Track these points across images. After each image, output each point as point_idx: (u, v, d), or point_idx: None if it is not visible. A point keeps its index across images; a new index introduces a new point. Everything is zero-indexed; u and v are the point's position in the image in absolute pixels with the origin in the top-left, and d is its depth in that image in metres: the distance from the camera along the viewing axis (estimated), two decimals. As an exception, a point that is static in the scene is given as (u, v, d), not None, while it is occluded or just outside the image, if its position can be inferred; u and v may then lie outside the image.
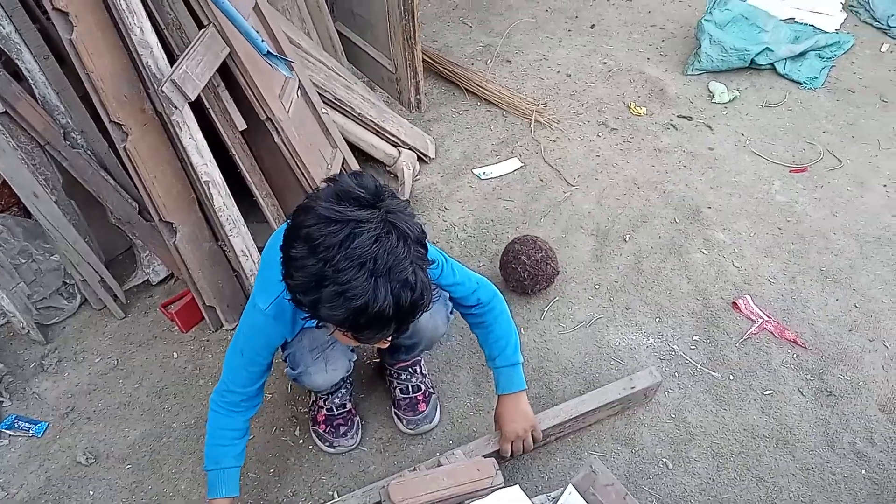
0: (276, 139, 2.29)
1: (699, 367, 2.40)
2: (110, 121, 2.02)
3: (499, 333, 2.02)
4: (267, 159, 2.40)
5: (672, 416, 2.27)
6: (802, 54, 3.68)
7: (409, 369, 2.24)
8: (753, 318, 2.55)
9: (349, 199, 1.41)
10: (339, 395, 2.16)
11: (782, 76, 3.65)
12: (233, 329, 2.50)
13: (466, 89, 3.49)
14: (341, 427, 2.15)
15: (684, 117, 3.41)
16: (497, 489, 1.84)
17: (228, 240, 2.30)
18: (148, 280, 2.58)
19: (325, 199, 1.42)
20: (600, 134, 3.32)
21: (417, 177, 3.06)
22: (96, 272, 2.45)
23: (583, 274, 2.70)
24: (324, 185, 1.46)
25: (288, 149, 2.32)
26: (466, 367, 2.40)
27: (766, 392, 2.32)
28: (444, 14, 4.11)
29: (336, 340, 1.84)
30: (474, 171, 3.12)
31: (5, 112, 2.18)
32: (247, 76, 2.19)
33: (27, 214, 2.50)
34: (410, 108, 3.23)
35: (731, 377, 2.37)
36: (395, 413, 2.24)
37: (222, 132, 2.24)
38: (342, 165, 2.69)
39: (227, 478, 1.85)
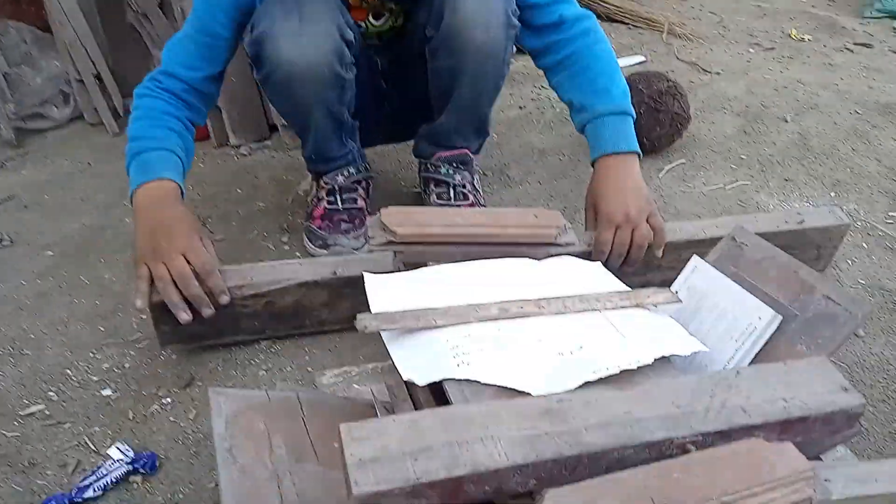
0: None
1: (904, 242, 1.55)
2: None
3: (597, 69, 1.34)
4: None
5: (861, 283, 1.45)
6: None
7: (455, 164, 1.53)
8: None
9: None
10: (349, 172, 1.48)
11: None
12: (240, 146, 1.90)
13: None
14: (343, 224, 1.45)
15: (862, 44, 2.66)
16: (563, 253, 1.08)
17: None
18: (159, 102, 2.05)
19: None
20: (751, 49, 2.62)
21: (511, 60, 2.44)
22: (97, 73, 1.96)
23: (723, 144, 1.95)
24: None
25: None
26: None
27: None
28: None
29: None
30: (585, 60, 2.47)
31: None
32: None
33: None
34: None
35: (962, 261, 1.51)
36: None
37: None
38: None
39: (171, 161, 1.21)
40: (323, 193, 1.49)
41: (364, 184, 1.52)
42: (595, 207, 1.28)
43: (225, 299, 1.13)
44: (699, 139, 1.96)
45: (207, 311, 1.11)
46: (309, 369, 1.19)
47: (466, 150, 1.54)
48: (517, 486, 0.69)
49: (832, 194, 1.74)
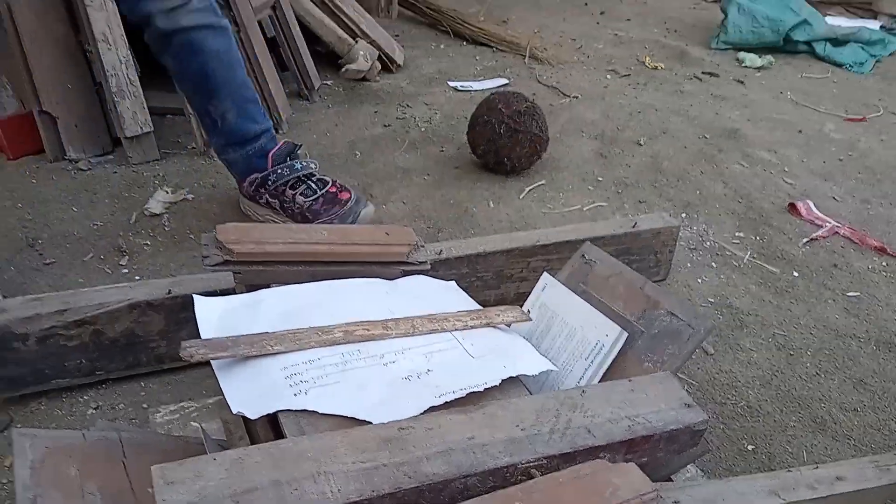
0: None
1: (746, 259, 1.64)
2: None
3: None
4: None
5: (710, 301, 1.49)
6: (844, 42, 3.15)
7: (291, 156, 1.55)
8: (819, 222, 1.82)
9: None
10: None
11: (822, 59, 3.10)
12: (78, 161, 1.75)
13: (451, 29, 2.93)
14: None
15: (710, 73, 2.82)
16: (416, 272, 1.04)
17: (89, 19, 1.63)
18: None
19: None
20: (608, 76, 2.72)
21: (377, 78, 2.42)
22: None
23: (580, 167, 1.99)
24: None
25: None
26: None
27: (851, 294, 1.57)
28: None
29: None
30: (450, 82, 2.48)
31: None
32: None
33: None
34: (379, 13, 2.65)
35: (796, 274, 1.62)
36: None
37: None
38: (276, 11, 2.07)
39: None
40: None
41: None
42: None
43: None
44: (558, 161, 2.00)
45: None
46: (144, 406, 1.09)
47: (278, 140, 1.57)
48: (352, 525, 0.64)
49: (683, 215, 1.81)
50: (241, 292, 0.99)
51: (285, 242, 0.98)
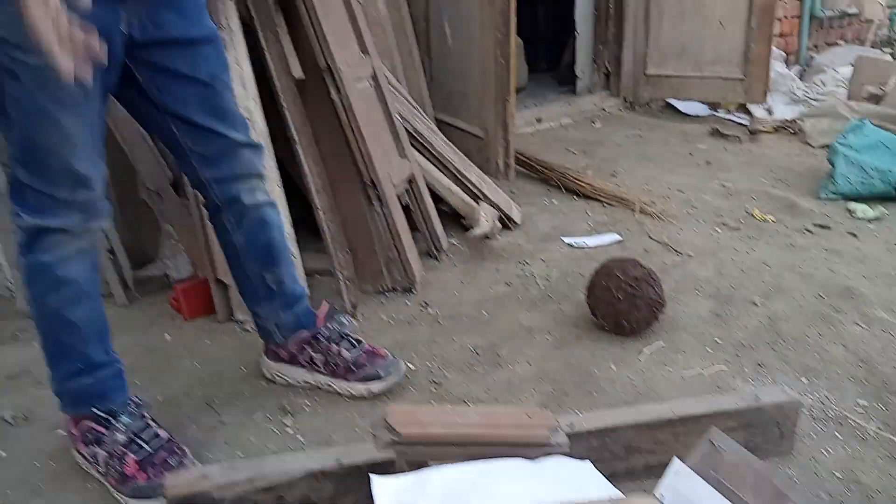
0: (333, 95, 1.98)
1: (871, 431, 1.66)
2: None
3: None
4: (322, 135, 2.08)
5: (838, 476, 1.52)
6: (959, 190, 3.16)
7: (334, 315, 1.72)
8: (946, 390, 1.82)
9: None
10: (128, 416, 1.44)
11: (935, 207, 3.11)
12: (244, 322, 1.99)
13: (562, 185, 3.15)
14: (169, 460, 1.40)
15: (821, 226, 2.88)
16: (555, 452, 1.16)
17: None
18: (167, 275, 2.17)
19: None
20: (718, 230, 2.83)
21: (498, 237, 2.62)
22: (110, 248, 2.09)
23: (698, 328, 2.08)
24: None
25: (347, 113, 2.00)
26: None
27: None
28: (548, 143, 3.93)
29: None
30: (564, 238, 2.66)
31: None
32: (314, 17, 1.96)
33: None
34: (498, 175, 2.89)
35: (924, 447, 1.61)
36: (343, 387, 1.67)
37: (274, 79, 1.96)
38: (412, 184, 2.33)
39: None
40: (121, 445, 1.42)
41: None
42: None
43: None
44: (675, 321, 2.09)
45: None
46: (311, 565, 1.22)
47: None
48: None
49: (804, 380, 1.85)
50: (401, 468, 1.14)
51: (444, 425, 1.13)
